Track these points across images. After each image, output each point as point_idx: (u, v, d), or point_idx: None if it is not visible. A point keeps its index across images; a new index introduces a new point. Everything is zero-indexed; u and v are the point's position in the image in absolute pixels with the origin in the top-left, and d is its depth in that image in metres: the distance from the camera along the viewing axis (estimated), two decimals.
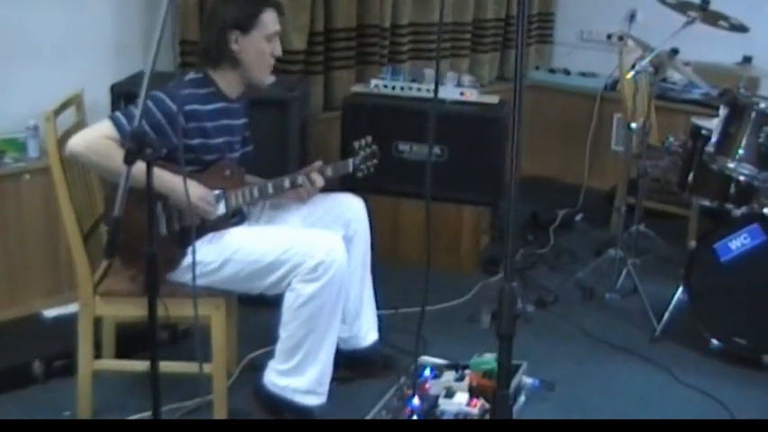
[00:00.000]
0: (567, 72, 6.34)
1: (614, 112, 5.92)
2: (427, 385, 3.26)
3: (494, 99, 4.66)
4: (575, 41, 6.38)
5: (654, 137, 4.89)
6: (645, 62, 3.91)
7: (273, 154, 3.81)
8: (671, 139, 4.34)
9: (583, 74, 6.18)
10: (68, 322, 3.51)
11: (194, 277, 2.59)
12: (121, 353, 3.40)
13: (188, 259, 2.99)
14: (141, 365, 3.06)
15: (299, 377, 3.07)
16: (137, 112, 2.87)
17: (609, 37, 6.16)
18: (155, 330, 2.14)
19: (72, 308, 3.62)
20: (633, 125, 4.13)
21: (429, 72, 4.61)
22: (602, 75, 6.02)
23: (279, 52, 3.16)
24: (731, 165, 3.85)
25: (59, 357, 3.40)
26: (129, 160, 1.99)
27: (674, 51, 4.05)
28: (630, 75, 3.93)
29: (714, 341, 3.79)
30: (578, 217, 5.43)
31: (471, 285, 4.40)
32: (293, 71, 4.48)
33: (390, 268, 3.64)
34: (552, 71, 6.39)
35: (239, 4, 3.06)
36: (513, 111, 1.78)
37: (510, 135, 1.79)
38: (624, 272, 4.30)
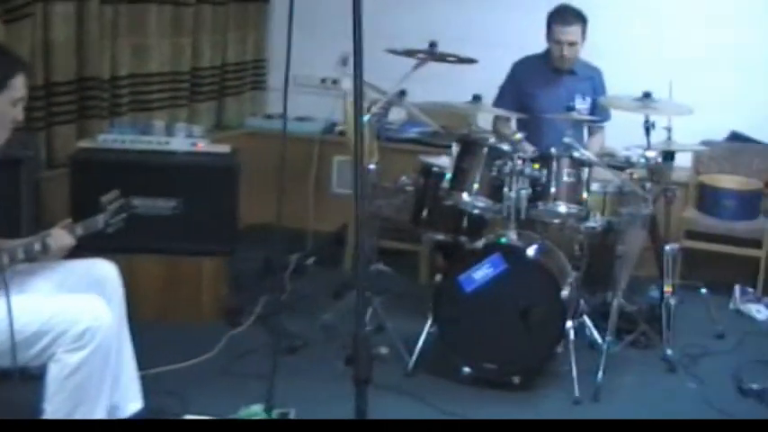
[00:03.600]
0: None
1: (334, 155, 6.06)
2: None
3: (225, 148, 4.65)
4: (288, 86, 6.45)
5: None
6: (379, 105, 4.06)
7: (6, 215, 3.57)
8: (404, 177, 4.51)
9: (299, 118, 6.26)
10: None
11: None
12: None
13: None
14: None
15: None
16: None
17: (323, 81, 6.33)
18: None
19: None
20: (372, 166, 4.26)
21: (159, 124, 4.53)
22: (318, 118, 6.16)
23: (21, 117, 2.99)
24: (467, 199, 4.08)
25: None
26: None
27: (402, 93, 4.24)
28: (367, 117, 4.06)
29: (466, 368, 3.97)
30: (310, 260, 5.49)
31: (217, 337, 4.32)
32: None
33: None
34: (269, 117, 6.43)
35: None
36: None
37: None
38: (370, 310, 4.40)
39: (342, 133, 5.90)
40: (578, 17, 4.91)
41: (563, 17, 4.91)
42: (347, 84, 5.76)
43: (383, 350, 4.15)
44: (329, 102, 6.11)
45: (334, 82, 6.24)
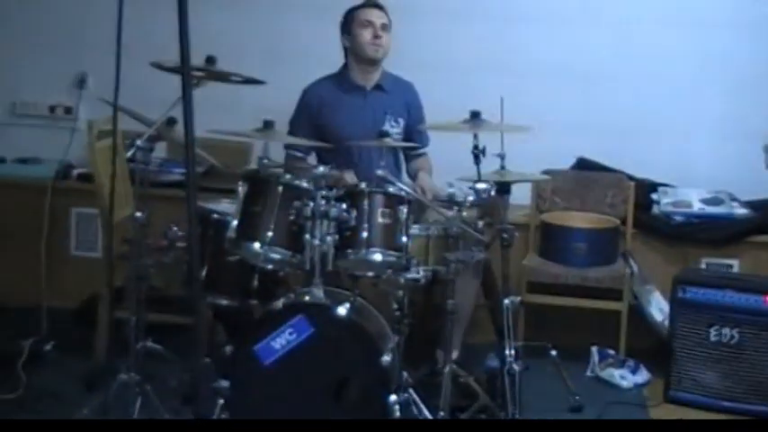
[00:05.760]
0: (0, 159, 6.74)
1: (71, 207, 6.48)
2: None
3: None
4: (6, 118, 6.86)
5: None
6: (144, 138, 4.46)
7: None
8: (174, 229, 4.83)
9: (22, 160, 6.65)
10: None
11: None
12: None
13: None
14: None
15: None
16: None
17: (52, 110, 6.74)
18: None
19: None
20: (139, 214, 4.63)
21: None
22: (47, 159, 6.56)
23: None
24: (259, 250, 4.49)
25: None
26: None
27: (172, 121, 4.61)
28: (130, 153, 4.47)
29: None
30: (48, 346, 5.82)
31: None
32: None
33: None
34: None
35: None
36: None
37: None
38: (138, 402, 4.72)
39: (84, 178, 6.26)
40: (383, 8, 5.59)
41: (368, 2, 5.58)
42: (87, 112, 6.07)
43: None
44: (62, 137, 6.49)
45: (69, 111, 6.56)
